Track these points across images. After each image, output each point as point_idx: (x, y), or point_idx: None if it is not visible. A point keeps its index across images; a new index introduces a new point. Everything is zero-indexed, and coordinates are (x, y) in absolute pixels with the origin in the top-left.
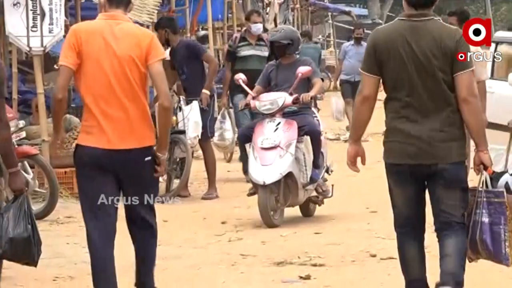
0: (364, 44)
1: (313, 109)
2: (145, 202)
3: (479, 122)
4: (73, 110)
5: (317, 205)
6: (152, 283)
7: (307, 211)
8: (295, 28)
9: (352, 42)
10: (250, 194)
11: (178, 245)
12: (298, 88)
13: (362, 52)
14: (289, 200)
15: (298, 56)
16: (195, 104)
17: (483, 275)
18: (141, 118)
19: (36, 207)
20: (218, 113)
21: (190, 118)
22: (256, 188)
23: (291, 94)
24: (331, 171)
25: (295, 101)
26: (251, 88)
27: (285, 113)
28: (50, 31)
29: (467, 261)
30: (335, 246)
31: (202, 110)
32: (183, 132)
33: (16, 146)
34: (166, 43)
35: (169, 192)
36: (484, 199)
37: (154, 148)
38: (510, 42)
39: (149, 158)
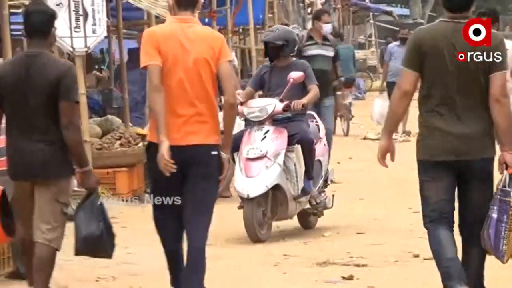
0: None
1: (312, 113)
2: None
3: (508, 122)
4: (115, 111)
5: (318, 216)
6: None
7: (306, 223)
8: (337, 28)
9: (397, 43)
10: (240, 207)
11: (220, 246)
12: (292, 94)
13: None
14: (277, 213)
15: (294, 59)
16: None
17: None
18: (210, 117)
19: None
20: None
21: None
22: (242, 201)
23: (281, 100)
24: (331, 180)
25: (286, 109)
26: (319, 87)
27: (278, 120)
28: (93, 32)
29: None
30: (377, 246)
31: None
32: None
33: None
34: None
35: None
36: (498, 196)
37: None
38: None
39: (215, 152)
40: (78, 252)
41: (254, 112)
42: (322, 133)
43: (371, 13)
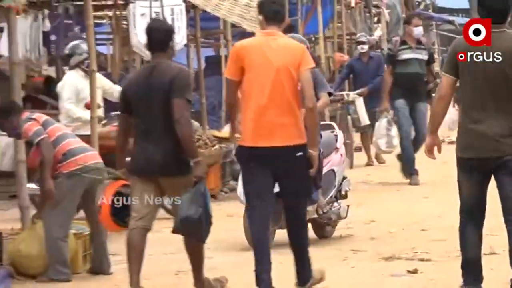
0: None
1: (331, 123)
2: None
3: None
4: (193, 115)
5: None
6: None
7: (321, 233)
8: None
9: None
10: None
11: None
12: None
13: None
14: (280, 221)
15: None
16: None
17: None
18: (289, 115)
19: None
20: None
21: None
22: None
23: None
24: (346, 191)
25: None
26: (413, 92)
27: None
28: None
29: None
30: (440, 242)
31: None
32: None
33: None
34: None
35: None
36: None
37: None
38: None
39: (301, 153)
40: (175, 230)
41: None
42: (340, 143)
43: (433, 22)
